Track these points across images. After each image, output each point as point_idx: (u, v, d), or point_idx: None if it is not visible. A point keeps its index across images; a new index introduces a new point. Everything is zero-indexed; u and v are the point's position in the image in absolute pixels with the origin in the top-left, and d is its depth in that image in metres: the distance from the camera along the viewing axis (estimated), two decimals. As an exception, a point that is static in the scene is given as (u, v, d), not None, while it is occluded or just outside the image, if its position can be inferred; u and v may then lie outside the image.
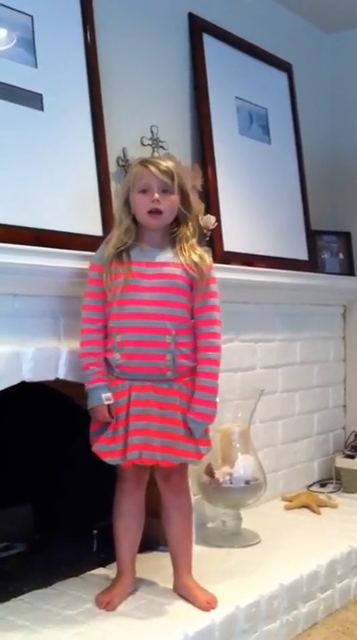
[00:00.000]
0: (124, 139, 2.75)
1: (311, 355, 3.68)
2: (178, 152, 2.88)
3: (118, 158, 2.73)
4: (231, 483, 2.81)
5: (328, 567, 2.66)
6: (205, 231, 2.91)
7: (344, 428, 3.94)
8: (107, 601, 2.25)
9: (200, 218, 2.87)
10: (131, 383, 2.22)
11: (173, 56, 3.08)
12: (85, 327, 2.26)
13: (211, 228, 2.95)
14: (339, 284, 3.78)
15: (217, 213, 3.05)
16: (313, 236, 3.68)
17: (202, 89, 3.15)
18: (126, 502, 2.32)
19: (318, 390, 3.75)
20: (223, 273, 2.54)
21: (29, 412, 2.66)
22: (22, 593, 2.32)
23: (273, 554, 2.72)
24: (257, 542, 2.84)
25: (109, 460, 2.22)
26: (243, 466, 2.84)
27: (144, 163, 2.25)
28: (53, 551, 2.64)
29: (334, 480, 3.66)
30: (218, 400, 2.29)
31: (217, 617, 2.20)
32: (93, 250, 2.32)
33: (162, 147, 2.87)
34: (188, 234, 2.29)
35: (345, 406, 3.97)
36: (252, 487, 2.85)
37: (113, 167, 2.69)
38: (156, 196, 2.21)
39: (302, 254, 3.58)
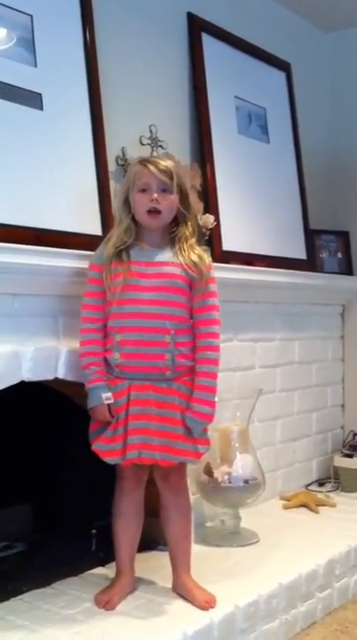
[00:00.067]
0: (123, 138, 2.75)
1: (309, 354, 3.68)
2: (176, 151, 2.89)
3: (117, 157, 2.73)
4: (230, 482, 2.82)
5: (326, 566, 2.67)
6: (204, 230, 2.91)
7: (342, 428, 3.95)
8: (106, 600, 2.25)
9: (199, 217, 2.87)
10: (131, 382, 2.22)
11: (172, 55, 3.08)
12: (85, 326, 2.27)
13: (210, 227, 2.95)
14: (338, 284, 3.78)
15: (215, 213, 3.05)
16: (311, 236, 3.68)
17: (201, 88, 3.15)
18: (125, 502, 2.33)
19: (317, 390, 3.76)
20: (222, 272, 2.54)
21: (29, 411, 2.66)
22: (22, 592, 2.32)
23: (271, 553, 2.73)
24: (256, 541, 2.84)
25: (109, 459, 2.22)
26: (242, 465, 2.84)
27: (143, 162, 2.25)
28: (53, 551, 2.64)
29: (332, 479, 3.67)
30: (216, 400, 2.29)
31: (215, 616, 2.21)
32: (92, 249, 2.32)
33: (161, 146, 2.87)
34: (187, 233, 2.29)
35: (343, 405, 3.98)
36: (251, 486, 2.85)
37: (112, 166, 2.69)
38: (155, 195, 2.21)
39: (300, 254, 3.59)
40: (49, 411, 2.67)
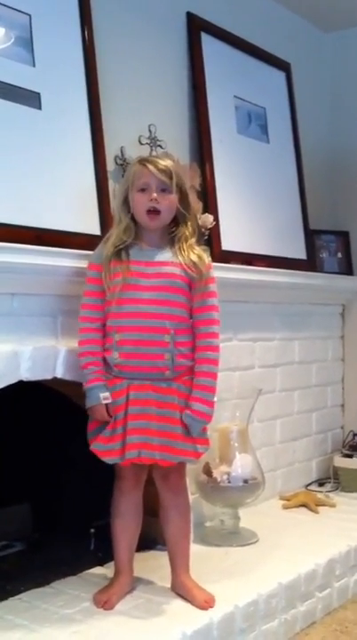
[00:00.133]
0: (122, 137, 2.75)
1: (309, 354, 3.68)
2: (176, 151, 2.89)
3: (116, 157, 2.73)
4: (229, 482, 2.81)
5: (326, 566, 2.67)
6: (203, 230, 2.91)
7: (342, 428, 3.94)
8: (104, 600, 2.25)
9: (198, 217, 2.87)
10: (130, 382, 2.22)
11: (171, 55, 3.08)
12: (84, 326, 2.26)
13: (209, 227, 2.95)
14: (337, 284, 3.78)
15: (215, 212, 3.05)
16: (311, 236, 3.68)
17: (201, 88, 3.14)
18: (124, 501, 2.32)
19: (316, 389, 3.76)
20: (221, 272, 2.54)
21: (27, 411, 2.66)
22: (20, 592, 2.32)
23: (271, 553, 2.72)
24: (256, 541, 2.84)
25: (107, 459, 2.22)
26: (241, 465, 2.84)
27: (143, 161, 2.25)
28: (52, 550, 2.63)
29: (332, 479, 3.67)
30: (215, 400, 2.29)
31: (215, 616, 2.20)
32: (91, 249, 2.32)
33: (160, 146, 2.87)
34: (187, 233, 2.29)
35: (343, 405, 3.97)
36: (250, 486, 2.85)
37: (111, 166, 2.69)
38: (155, 195, 2.21)
39: (300, 253, 3.58)
40: (48, 410, 2.67)
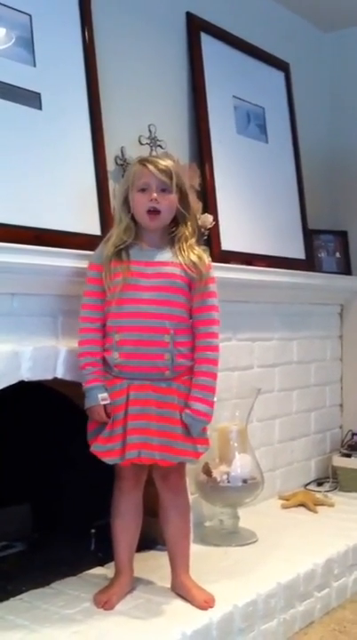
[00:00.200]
0: (122, 138, 2.75)
1: (308, 354, 3.69)
2: (175, 151, 2.89)
3: (116, 157, 2.73)
4: (228, 481, 2.82)
5: (325, 566, 2.67)
6: (203, 230, 2.92)
7: (340, 427, 3.95)
8: (104, 600, 2.25)
9: (197, 217, 2.87)
10: (130, 382, 2.22)
11: (171, 55, 3.08)
12: (84, 326, 2.27)
13: (209, 227, 2.95)
14: (336, 283, 3.78)
15: (214, 212, 3.05)
16: (310, 235, 3.69)
17: (200, 88, 3.15)
18: (124, 501, 2.33)
19: (315, 389, 3.76)
20: (220, 272, 2.55)
21: (28, 411, 2.65)
22: (21, 592, 2.32)
23: (270, 553, 2.73)
24: (255, 541, 2.85)
25: (107, 459, 2.22)
26: (241, 465, 2.84)
27: (143, 162, 2.25)
28: (52, 550, 2.64)
29: (331, 479, 3.67)
30: (215, 400, 2.29)
31: (214, 616, 2.21)
32: (91, 249, 2.32)
33: (160, 146, 2.87)
34: (187, 233, 2.29)
35: (341, 405, 3.98)
36: (249, 486, 2.85)
37: (111, 166, 2.69)
38: (155, 195, 2.21)
39: (299, 253, 3.59)
40: (48, 410, 2.67)
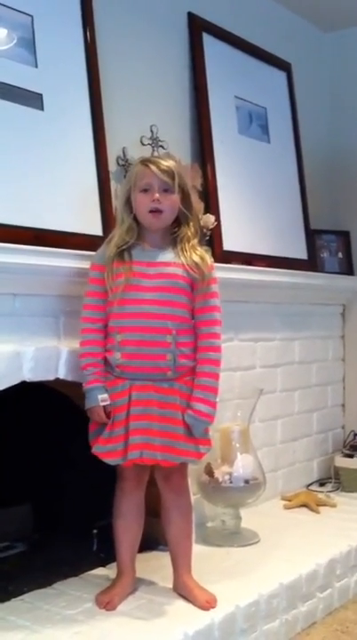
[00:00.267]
0: (124, 138, 2.75)
1: (310, 354, 3.68)
2: (177, 151, 2.88)
3: (118, 158, 2.73)
4: (230, 482, 2.81)
5: (327, 566, 2.67)
6: (205, 230, 2.91)
7: (343, 427, 3.95)
8: (106, 600, 2.25)
9: (199, 217, 2.87)
10: (132, 383, 2.22)
11: (173, 55, 3.08)
12: (85, 326, 2.27)
13: (211, 227, 2.95)
14: (338, 284, 3.78)
15: (216, 213, 3.05)
16: (312, 236, 3.68)
17: (202, 88, 3.15)
18: (126, 502, 2.33)
19: (317, 389, 3.76)
20: (222, 272, 2.54)
21: (29, 411, 2.66)
22: (22, 593, 2.32)
23: (272, 553, 2.73)
24: (257, 541, 2.84)
25: (109, 460, 2.22)
26: (243, 465, 2.84)
27: (145, 162, 2.25)
28: (53, 551, 2.64)
29: (333, 479, 3.67)
30: (217, 400, 2.29)
31: (216, 616, 2.21)
32: (93, 249, 2.32)
33: (161, 146, 2.87)
34: (189, 234, 2.29)
35: (343, 405, 3.98)
36: (251, 486, 2.85)
37: (113, 167, 2.69)
38: (157, 195, 2.21)
39: (301, 253, 3.59)
40: (49, 411, 2.67)
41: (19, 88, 2.36)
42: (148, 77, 2.93)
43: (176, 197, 2.24)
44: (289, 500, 3.37)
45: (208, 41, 3.19)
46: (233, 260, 3.05)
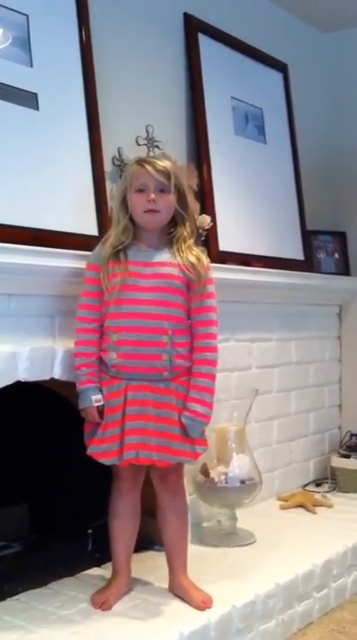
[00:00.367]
0: (120, 138, 2.75)
1: (306, 354, 3.69)
2: (173, 152, 2.89)
3: (113, 158, 2.73)
4: (226, 482, 2.81)
5: (323, 566, 2.67)
6: (200, 231, 2.91)
7: (339, 428, 3.95)
8: (102, 600, 2.25)
9: (195, 217, 2.86)
10: (128, 383, 2.22)
11: (169, 56, 3.08)
12: (80, 326, 2.26)
13: (207, 227, 2.95)
14: (335, 284, 3.78)
15: (212, 213, 3.05)
16: (308, 236, 3.69)
17: (198, 89, 3.15)
18: (122, 502, 2.32)
19: (314, 390, 3.76)
20: (218, 273, 2.54)
21: (25, 411, 2.66)
22: (18, 593, 2.32)
23: (268, 553, 2.73)
24: (253, 542, 2.84)
25: (104, 460, 2.21)
26: (239, 465, 2.84)
27: (141, 162, 2.25)
28: (49, 551, 2.64)
29: (329, 480, 3.67)
30: (214, 401, 2.29)
31: (212, 616, 2.20)
32: (89, 249, 2.32)
33: (157, 146, 2.87)
34: (185, 234, 2.28)
35: (340, 406, 3.98)
36: (248, 487, 2.85)
37: (108, 167, 2.69)
38: (152, 195, 2.21)
39: (297, 254, 3.59)
40: (45, 411, 2.67)
41: (14, 88, 2.36)
42: (144, 77, 2.93)
43: (172, 198, 2.24)
44: (286, 501, 3.37)
45: (204, 41, 3.19)
46: (229, 261, 3.05)
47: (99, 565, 2.55)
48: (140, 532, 2.39)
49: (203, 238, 2.95)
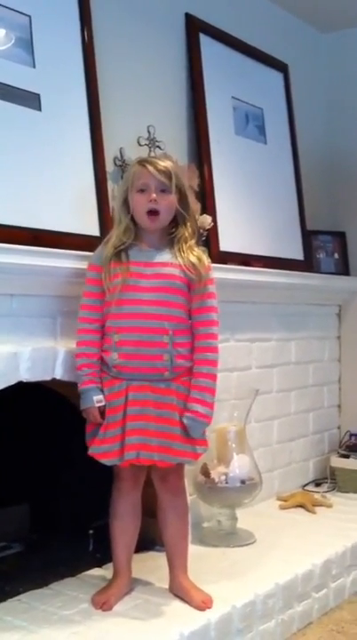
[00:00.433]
0: (121, 138, 2.75)
1: (306, 354, 3.69)
2: (174, 152, 2.89)
3: (115, 158, 2.73)
4: (226, 482, 2.82)
5: (323, 566, 2.67)
6: (201, 231, 2.91)
7: (339, 428, 3.95)
8: (103, 601, 2.25)
9: (196, 218, 2.87)
10: (129, 383, 2.22)
11: (170, 56, 3.08)
12: (82, 327, 2.27)
13: (207, 227, 2.95)
14: (334, 284, 3.79)
15: (213, 213, 3.05)
16: (308, 236, 3.69)
17: (199, 89, 3.15)
18: (123, 502, 2.33)
19: (313, 390, 3.76)
20: (219, 273, 2.54)
21: (26, 412, 2.66)
22: (19, 593, 2.32)
23: (268, 553, 2.73)
24: (253, 542, 2.85)
25: (105, 460, 2.22)
26: (239, 465, 2.84)
27: (142, 162, 2.26)
28: (50, 551, 2.64)
29: (329, 479, 3.67)
30: (215, 401, 2.30)
31: (212, 616, 2.21)
32: (90, 250, 2.32)
33: (158, 147, 2.87)
34: (187, 234, 2.29)
35: (339, 406, 3.98)
36: (248, 487, 2.85)
37: (110, 167, 2.69)
38: (154, 195, 2.21)
39: (297, 254, 3.59)
40: (46, 411, 2.67)
41: (16, 88, 2.36)
42: (146, 78, 2.93)
43: (173, 198, 2.25)
44: (285, 501, 3.38)
45: (205, 42, 3.20)
46: (229, 261, 3.05)
47: (99, 566, 2.55)
48: (141, 532, 2.39)
49: (204, 238, 2.95)
